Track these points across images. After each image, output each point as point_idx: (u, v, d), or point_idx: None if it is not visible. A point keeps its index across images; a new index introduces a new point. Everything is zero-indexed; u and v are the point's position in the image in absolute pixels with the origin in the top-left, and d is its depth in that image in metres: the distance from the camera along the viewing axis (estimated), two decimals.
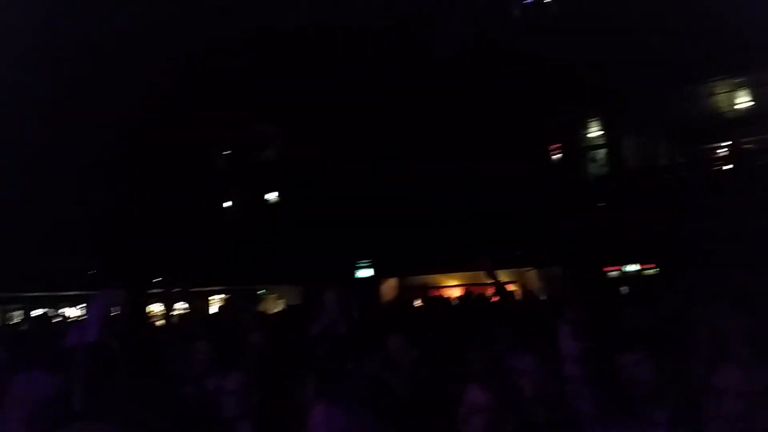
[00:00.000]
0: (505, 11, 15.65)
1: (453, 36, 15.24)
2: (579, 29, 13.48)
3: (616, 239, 12.53)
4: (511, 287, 12.24)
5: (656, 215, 11.82)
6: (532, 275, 14.29)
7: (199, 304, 16.34)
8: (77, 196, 14.63)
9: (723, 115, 14.58)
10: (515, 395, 4.01)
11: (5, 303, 15.19)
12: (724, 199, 11.27)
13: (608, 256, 13.58)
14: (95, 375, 2.68)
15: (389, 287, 16.55)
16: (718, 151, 14.99)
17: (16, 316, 14.61)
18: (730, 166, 13.71)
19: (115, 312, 4.92)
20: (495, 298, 8.57)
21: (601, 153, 16.12)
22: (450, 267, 15.88)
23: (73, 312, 14.87)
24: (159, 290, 15.65)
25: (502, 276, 11.22)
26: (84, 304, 13.30)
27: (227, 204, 20.79)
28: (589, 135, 16.44)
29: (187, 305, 16.05)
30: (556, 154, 16.10)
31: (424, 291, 15.10)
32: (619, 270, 14.17)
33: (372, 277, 17.08)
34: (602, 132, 16.20)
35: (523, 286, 12.91)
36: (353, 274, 17.13)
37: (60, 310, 14.81)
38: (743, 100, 14.36)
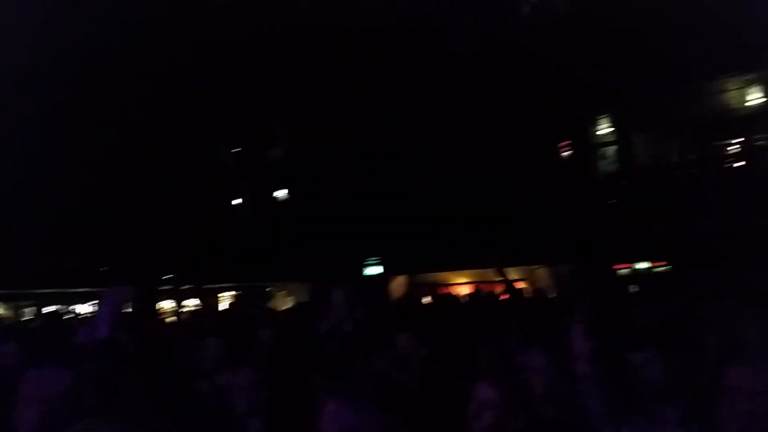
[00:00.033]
0: (516, 9, 15.61)
1: (464, 34, 15.21)
2: (589, 26, 13.42)
3: (626, 237, 12.47)
4: (520, 285, 12.27)
5: (667, 213, 11.76)
6: (541, 273, 14.26)
7: (209, 300, 16.45)
8: (88, 194, 14.71)
9: (735, 111, 14.48)
10: (525, 392, 4.00)
11: (17, 300, 15.30)
12: (735, 197, 11.19)
13: (618, 253, 13.52)
14: (105, 372, 2.69)
15: (398, 284, 16.55)
16: (729, 148, 14.88)
17: (28, 313, 14.70)
18: (742, 163, 13.62)
19: (125, 309, 4.94)
20: (504, 296, 8.57)
21: (612, 150, 16.05)
22: (459, 264, 15.86)
23: (84, 309, 14.96)
24: (169, 287, 15.78)
25: (512, 274, 11.23)
26: (95, 301, 13.39)
27: (236, 202, 20.87)
28: (599, 132, 16.37)
29: (198, 302, 16.16)
30: (566, 152, 16.04)
31: (433, 288, 15.10)
32: (630, 268, 14.10)
33: (381, 274, 17.09)
34: (612, 129, 16.13)
35: (533, 284, 12.90)
36: (362, 271, 17.15)
37: (71, 307, 14.90)
38: (755, 97, 14.25)
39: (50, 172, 14.58)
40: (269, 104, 17.00)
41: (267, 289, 18.68)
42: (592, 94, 14.49)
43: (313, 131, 16.70)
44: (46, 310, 13.50)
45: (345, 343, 3.73)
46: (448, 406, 4.09)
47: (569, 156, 16.00)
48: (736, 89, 14.27)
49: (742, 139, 14.50)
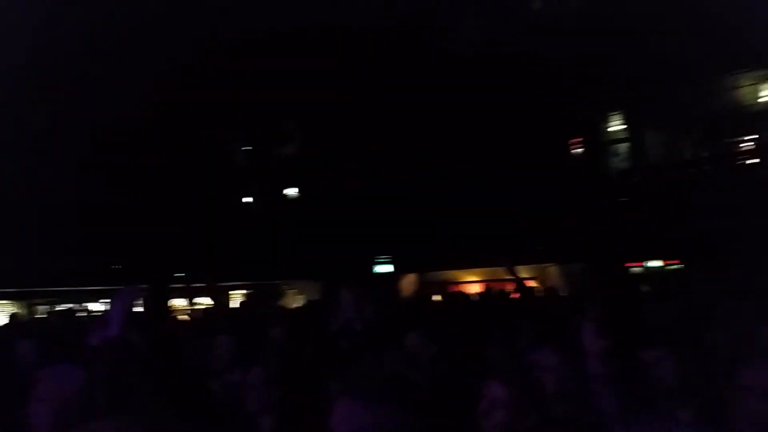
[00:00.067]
0: (527, 5, 15.56)
1: (474, 33, 15.19)
2: (601, 23, 13.36)
3: (638, 235, 12.40)
4: (531, 283, 12.23)
5: (679, 210, 11.69)
6: (553, 271, 14.21)
7: (220, 299, 16.50)
8: (101, 192, 14.81)
9: (748, 108, 14.35)
10: (536, 391, 3.99)
11: (30, 298, 15.42)
12: (748, 194, 11.10)
13: (630, 251, 13.44)
14: (117, 371, 2.71)
15: (408, 282, 16.55)
16: (743, 145, 14.75)
17: (41, 311, 14.81)
18: (756, 160, 13.50)
19: (137, 307, 4.97)
20: (515, 294, 8.55)
21: (624, 147, 15.96)
22: (470, 263, 15.83)
23: (96, 306, 15.06)
24: (181, 285, 15.84)
25: (523, 272, 11.21)
26: (108, 299, 13.46)
27: (247, 200, 20.94)
28: (611, 129, 16.28)
29: (210, 300, 16.21)
30: (577, 149, 15.97)
31: (443, 287, 15.09)
32: (642, 266, 14.02)
33: (392, 272, 17.09)
34: (625, 126, 16.04)
35: (544, 282, 12.86)
36: (372, 269, 17.16)
37: (84, 305, 15.00)
38: None
39: (63, 170, 14.70)
40: (279, 104, 17.03)
41: (278, 288, 18.73)
42: (604, 92, 14.42)
43: (323, 130, 16.73)
44: (59, 307, 13.62)
45: (355, 342, 3.74)
46: (459, 405, 4.09)
47: (581, 154, 15.94)
48: (749, 85, 14.14)
49: (756, 135, 14.38)
